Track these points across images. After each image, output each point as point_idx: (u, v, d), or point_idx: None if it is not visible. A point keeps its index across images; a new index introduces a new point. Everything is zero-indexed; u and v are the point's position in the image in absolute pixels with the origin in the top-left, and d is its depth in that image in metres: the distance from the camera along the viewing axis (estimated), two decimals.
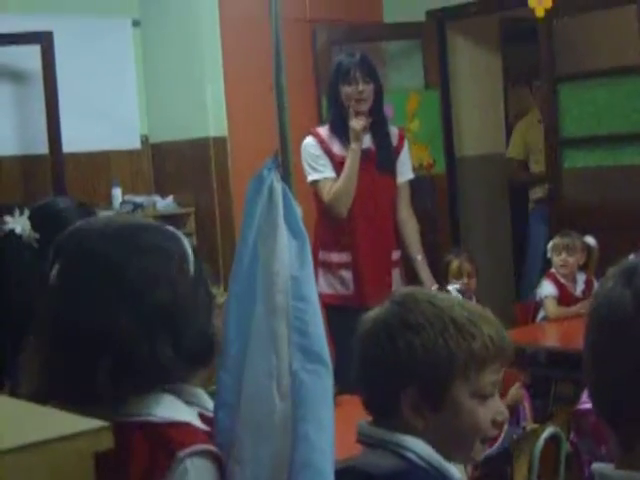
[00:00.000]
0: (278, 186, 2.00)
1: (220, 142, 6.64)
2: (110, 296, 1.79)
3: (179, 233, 1.96)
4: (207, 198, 6.67)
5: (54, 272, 1.91)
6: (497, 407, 1.86)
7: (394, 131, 5.02)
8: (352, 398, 3.92)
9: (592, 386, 1.44)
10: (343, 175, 4.73)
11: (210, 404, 2.03)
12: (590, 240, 5.83)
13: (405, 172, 5.02)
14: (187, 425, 1.84)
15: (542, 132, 7.34)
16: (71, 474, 1.04)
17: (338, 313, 4.51)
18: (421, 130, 7.34)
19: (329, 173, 4.77)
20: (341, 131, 4.79)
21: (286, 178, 2.15)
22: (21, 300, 2.36)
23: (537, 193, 7.52)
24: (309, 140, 4.85)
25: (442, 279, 5.21)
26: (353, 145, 4.71)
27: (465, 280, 5.30)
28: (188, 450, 1.76)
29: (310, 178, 4.81)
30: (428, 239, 5.68)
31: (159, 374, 1.82)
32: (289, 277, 2.05)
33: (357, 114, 4.75)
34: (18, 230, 2.47)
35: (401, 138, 5.02)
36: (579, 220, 6.55)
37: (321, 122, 7.15)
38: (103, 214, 2.26)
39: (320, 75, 7.29)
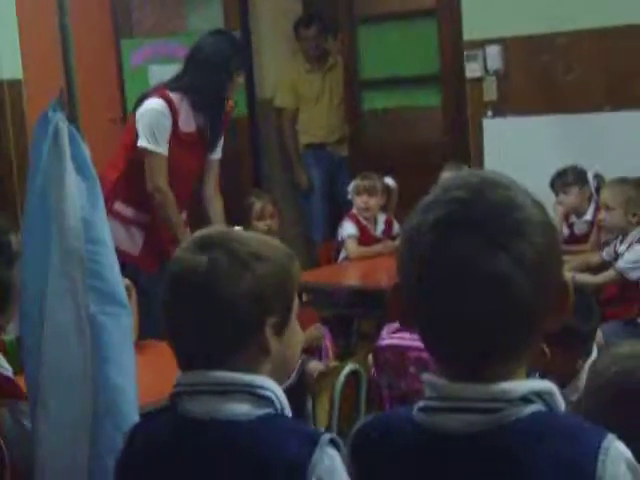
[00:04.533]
0: (64, 127, 1.96)
1: (15, 85, 6.42)
2: None
3: None
4: (3, 143, 6.46)
5: None
6: None
7: None
8: (153, 343, 3.89)
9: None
10: (176, 227, 4.53)
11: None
12: (390, 181, 5.94)
13: (219, 150, 4.86)
14: None
15: (312, 81, 7.37)
16: None
17: None
18: None
19: (165, 150, 4.48)
20: (201, 104, 4.60)
21: (73, 119, 2.09)
22: None
23: (306, 139, 7.47)
24: (160, 106, 4.50)
25: (245, 221, 5.21)
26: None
27: (268, 221, 5.32)
28: None
29: (145, 145, 4.46)
30: (232, 182, 5.67)
31: None
32: (80, 220, 2.02)
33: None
34: None
35: (227, 114, 4.85)
36: (378, 161, 6.65)
37: (120, 60, 7.03)
38: None
39: (117, 16, 7.16)
